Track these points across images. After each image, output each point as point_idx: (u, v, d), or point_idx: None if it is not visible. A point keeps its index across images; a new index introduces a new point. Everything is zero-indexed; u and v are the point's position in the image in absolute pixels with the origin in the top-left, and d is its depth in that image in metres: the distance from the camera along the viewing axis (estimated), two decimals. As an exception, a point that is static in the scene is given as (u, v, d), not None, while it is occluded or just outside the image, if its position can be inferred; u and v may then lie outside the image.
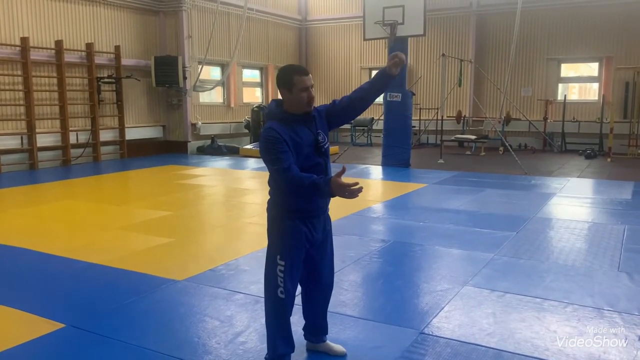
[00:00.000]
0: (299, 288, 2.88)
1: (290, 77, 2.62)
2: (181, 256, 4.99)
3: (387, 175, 10.32)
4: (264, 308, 2.85)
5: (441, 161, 12.01)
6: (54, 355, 3.07)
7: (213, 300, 3.87)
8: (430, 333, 3.29)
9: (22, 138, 10.79)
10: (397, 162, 11.34)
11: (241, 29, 13.84)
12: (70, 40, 11.53)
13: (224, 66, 14.76)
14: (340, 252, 4.87)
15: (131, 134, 13.02)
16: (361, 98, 2.87)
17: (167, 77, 13.17)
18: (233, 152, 13.76)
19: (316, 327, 3.04)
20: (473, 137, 14.13)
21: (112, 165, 11.88)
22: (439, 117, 13.73)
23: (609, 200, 7.62)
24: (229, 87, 15.23)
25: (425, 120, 15.73)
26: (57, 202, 7.88)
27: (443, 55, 12.31)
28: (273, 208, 2.80)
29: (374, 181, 9.65)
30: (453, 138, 14.45)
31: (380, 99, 14.21)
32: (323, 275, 2.94)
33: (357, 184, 2.44)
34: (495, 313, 3.61)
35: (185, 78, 13.40)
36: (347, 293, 3.98)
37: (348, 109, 2.88)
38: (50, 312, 3.57)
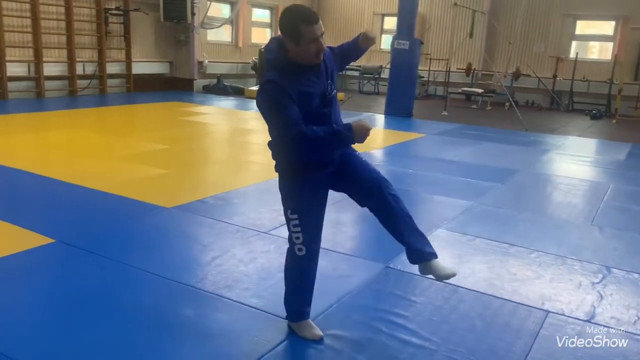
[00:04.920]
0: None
1: (297, 27, 2.21)
2: (173, 187, 5.18)
3: (387, 124, 10.38)
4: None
5: (445, 113, 12.01)
6: (42, 265, 3.30)
7: (197, 227, 4.07)
8: (395, 267, 3.48)
9: (29, 66, 10.88)
10: (400, 112, 11.35)
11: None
12: (78, -32, 11.42)
13: (233, 4, 14.58)
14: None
15: (138, 68, 13.04)
16: (347, 60, 2.68)
17: (175, 12, 13.06)
18: (238, 92, 13.79)
19: (409, 242, 2.54)
20: (480, 90, 14.04)
21: (117, 98, 12.00)
22: (448, 69, 13.60)
23: (602, 159, 7.69)
24: (238, 26, 15.09)
25: (435, 71, 15.58)
26: (61, 130, 8.07)
27: (455, 4, 12.07)
28: (279, 163, 2.51)
29: (373, 129, 9.72)
30: (460, 91, 14.36)
31: (388, 47, 14.06)
32: (374, 176, 2.51)
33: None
34: (461, 254, 3.79)
35: (193, 14, 13.28)
36: (325, 229, 4.14)
37: (342, 59, 2.64)
38: (43, 229, 3.80)
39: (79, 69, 11.72)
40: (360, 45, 2.61)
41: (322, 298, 3.00)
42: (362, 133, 2.30)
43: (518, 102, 14.72)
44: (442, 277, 2.47)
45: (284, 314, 2.72)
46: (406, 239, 2.53)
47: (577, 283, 3.40)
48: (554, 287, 3.33)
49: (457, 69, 15.20)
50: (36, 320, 2.68)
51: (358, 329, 2.73)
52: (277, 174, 2.54)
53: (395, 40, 11.24)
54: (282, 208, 2.54)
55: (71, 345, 2.46)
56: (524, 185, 5.91)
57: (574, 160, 7.57)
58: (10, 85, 10.55)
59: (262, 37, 16.53)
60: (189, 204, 4.57)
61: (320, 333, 2.63)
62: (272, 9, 16.42)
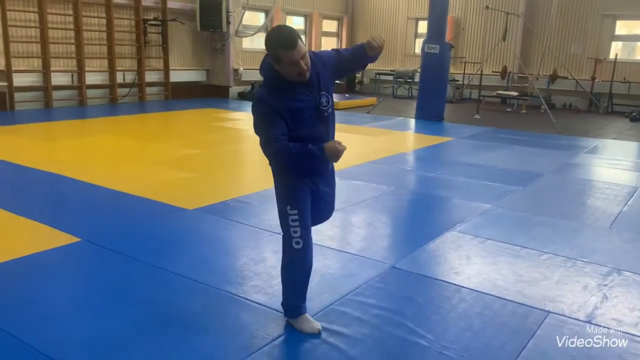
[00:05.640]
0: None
1: (276, 53, 2.40)
2: (197, 190, 5.39)
3: (416, 128, 10.40)
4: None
5: (477, 117, 11.92)
6: (66, 262, 3.54)
7: (214, 228, 4.25)
8: (401, 268, 3.56)
9: (72, 75, 11.42)
10: (430, 116, 11.34)
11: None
12: (118, -19, 11.93)
13: (267, 12, 14.88)
14: (344, 196, 5.14)
15: (175, 76, 13.47)
16: (352, 69, 2.86)
17: (211, 21, 13.43)
18: (272, 98, 14.03)
19: None
20: (514, 93, 13.85)
21: (155, 105, 12.43)
22: (480, 72, 13.47)
23: (635, 162, 7.52)
24: (272, 33, 15.34)
25: (469, 74, 15.46)
26: (99, 136, 8.45)
27: (487, 7, 11.99)
28: (275, 167, 2.69)
29: (401, 133, 9.76)
30: (494, 94, 14.20)
31: (418, 51, 14.06)
32: (325, 219, 2.98)
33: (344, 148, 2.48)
34: (470, 256, 3.83)
35: (229, 23, 13.63)
36: (337, 230, 4.28)
37: (348, 70, 2.81)
38: (71, 228, 4.05)
39: (119, 78, 12.21)
40: (367, 52, 2.63)
41: (324, 295, 3.13)
42: (334, 154, 2.48)
43: (555, 105, 14.49)
44: None
45: (280, 307, 2.85)
46: None
47: (584, 285, 3.40)
48: (559, 288, 3.34)
49: (492, 72, 15.05)
50: (55, 312, 2.90)
51: (355, 325, 2.82)
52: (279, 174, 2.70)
53: (426, 44, 11.25)
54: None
55: (87, 335, 2.66)
56: (546, 188, 5.87)
57: (604, 163, 7.43)
58: (55, 94, 11.10)
59: (296, 43, 16.74)
60: (209, 206, 4.76)
61: (319, 326, 2.75)
62: (306, 16, 16.65)
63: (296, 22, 16.65)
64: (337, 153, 2.46)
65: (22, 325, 2.71)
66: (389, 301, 3.10)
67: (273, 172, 2.71)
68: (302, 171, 2.62)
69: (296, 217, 2.63)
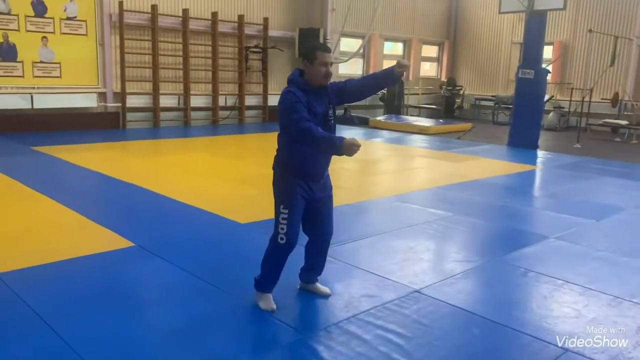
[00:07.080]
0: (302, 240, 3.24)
1: (314, 52, 3.02)
2: (257, 205, 5.65)
3: (504, 155, 10.01)
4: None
5: (577, 146, 11.24)
6: (118, 263, 3.91)
7: (256, 240, 4.44)
8: (424, 293, 3.52)
9: (179, 98, 12.42)
10: (523, 143, 10.86)
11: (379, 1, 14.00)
12: (224, 12, 12.83)
13: (364, 38, 15.16)
14: (395, 219, 5.16)
15: (273, 100, 14.12)
16: (368, 89, 3.33)
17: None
18: (363, 122, 14.24)
19: (312, 269, 3.44)
20: (624, 122, 12.85)
21: (252, 127, 13.12)
22: (587, 99, 12.68)
23: None
24: (369, 59, 15.62)
25: (576, 101, 14.58)
26: (193, 154, 9.12)
27: (590, 31, 11.33)
28: (277, 165, 3.21)
29: (485, 159, 9.44)
30: (601, 122, 13.27)
31: (512, 76, 13.53)
32: (327, 230, 3.33)
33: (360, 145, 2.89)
34: (505, 286, 3.69)
35: (325, 49, 14.06)
36: (373, 252, 4.29)
37: (357, 93, 3.27)
38: (129, 234, 4.46)
39: (221, 101, 13.08)
40: (395, 73, 3.13)
41: (336, 313, 3.20)
42: (350, 147, 2.86)
43: (673, 135, 13.20)
44: (322, 293, 3.41)
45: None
46: (317, 263, 3.41)
47: (621, 327, 3.14)
48: (591, 327, 3.12)
49: (602, 99, 14.09)
50: (90, 310, 3.24)
51: (354, 344, 2.85)
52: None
53: (520, 69, 10.87)
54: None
55: (112, 335, 2.95)
56: (622, 223, 5.42)
57: None
58: (162, 115, 12.13)
59: (394, 69, 16.84)
60: (262, 221, 4.98)
61: (274, 306, 3.16)
62: (405, 41, 16.74)
63: (394, 47, 16.78)
64: (352, 147, 2.84)
65: (61, 320, 3.07)
66: (397, 324, 3.08)
67: (275, 171, 3.18)
68: (316, 151, 3.02)
69: (286, 216, 3.06)
